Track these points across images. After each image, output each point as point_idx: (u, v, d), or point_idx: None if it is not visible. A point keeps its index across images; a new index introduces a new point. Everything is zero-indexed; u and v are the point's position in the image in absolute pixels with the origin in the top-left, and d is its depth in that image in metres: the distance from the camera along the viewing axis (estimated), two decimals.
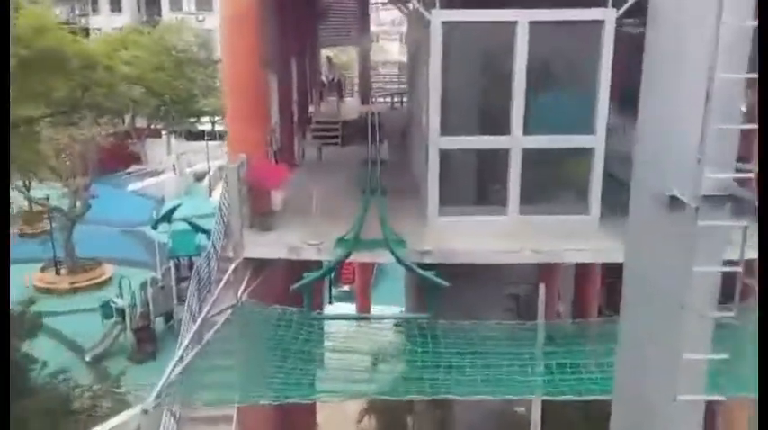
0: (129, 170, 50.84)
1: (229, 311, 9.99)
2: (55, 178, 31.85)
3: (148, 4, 75.84)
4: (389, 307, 21.70)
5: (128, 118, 44.75)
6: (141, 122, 49.79)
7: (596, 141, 10.73)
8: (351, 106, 22.20)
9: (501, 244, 10.28)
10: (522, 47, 10.41)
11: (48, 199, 32.51)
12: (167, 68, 45.99)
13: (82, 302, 29.60)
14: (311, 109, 19.86)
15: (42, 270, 32.91)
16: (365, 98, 24.36)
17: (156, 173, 50.22)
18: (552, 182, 11.27)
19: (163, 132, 51.52)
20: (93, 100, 23.52)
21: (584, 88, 10.72)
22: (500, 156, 10.96)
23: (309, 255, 10.26)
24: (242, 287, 10.30)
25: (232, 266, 10.25)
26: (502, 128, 10.79)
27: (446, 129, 10.90)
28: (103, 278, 32.81)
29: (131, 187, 47.62)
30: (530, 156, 10.84)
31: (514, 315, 13.72)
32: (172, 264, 26.17)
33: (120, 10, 66.68)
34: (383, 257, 10.19)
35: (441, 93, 10.67)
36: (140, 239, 37.29)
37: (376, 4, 29.20)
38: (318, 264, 10.53)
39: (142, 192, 46.53)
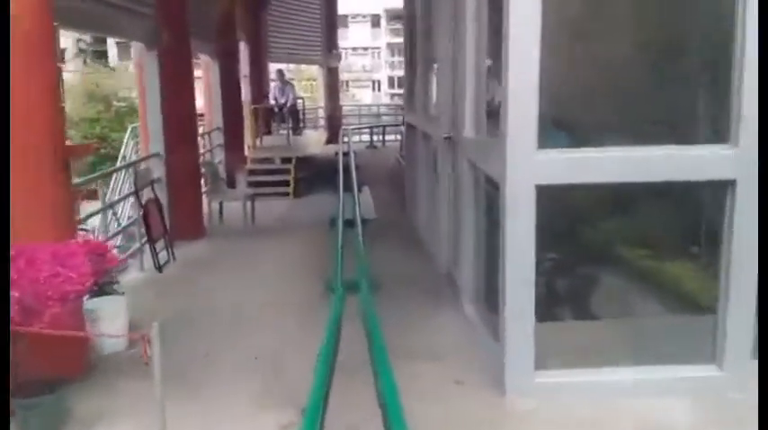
0: None
1: None
2: None
3: (99, 54, 69.95)
4: None
5: None
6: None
7: None
8: (312, 141, 15.28)
9: None
10: None
11: None
12: (102, 120, 39.64)
13: None
14: (248, 143, 12.85)
15: None
16: (333, 132, 17.54)
17: None
18: None
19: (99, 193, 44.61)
20: None
21: None
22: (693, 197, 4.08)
23: None
24: None
25: None
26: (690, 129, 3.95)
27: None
28: None
29: None
30: None
31: None
32: None
33: (62, 61, 61.24)
34: None
35: (538, 48, 3.81)
36: None
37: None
38: None
39: None
